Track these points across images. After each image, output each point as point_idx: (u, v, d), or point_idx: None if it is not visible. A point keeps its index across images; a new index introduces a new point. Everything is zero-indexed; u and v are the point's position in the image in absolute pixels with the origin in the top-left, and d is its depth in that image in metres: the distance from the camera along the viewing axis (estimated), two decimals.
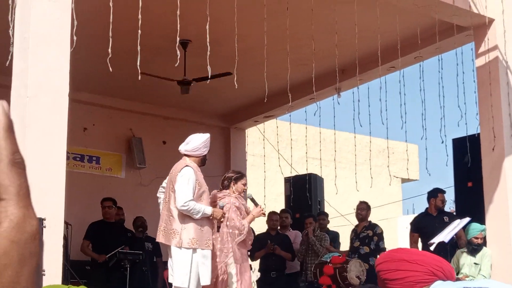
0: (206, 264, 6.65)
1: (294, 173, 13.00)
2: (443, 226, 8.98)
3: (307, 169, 11.78)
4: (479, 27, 9.11)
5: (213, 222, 6.83)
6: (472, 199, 9.45)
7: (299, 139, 16.20)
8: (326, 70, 10.39)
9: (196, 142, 6.92)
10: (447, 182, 19.46)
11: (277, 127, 12.94)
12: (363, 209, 10.32)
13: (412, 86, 9.57)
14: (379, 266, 2.99)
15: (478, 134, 9.13)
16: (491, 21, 9.04)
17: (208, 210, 6.67)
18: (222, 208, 6.89)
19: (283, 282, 10.74)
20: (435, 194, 9.70)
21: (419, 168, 23.05)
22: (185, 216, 6.61)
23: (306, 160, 11.94)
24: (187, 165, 6.75)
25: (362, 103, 9.48)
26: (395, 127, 9.11)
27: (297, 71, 10.12)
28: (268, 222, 11.04)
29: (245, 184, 7.50)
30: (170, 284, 6.88)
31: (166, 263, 10.74)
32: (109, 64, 5.26)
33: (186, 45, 9.87)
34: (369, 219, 10.34)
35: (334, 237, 11.40)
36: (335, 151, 12.04)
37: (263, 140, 13.74)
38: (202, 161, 6.93)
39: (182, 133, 12.93)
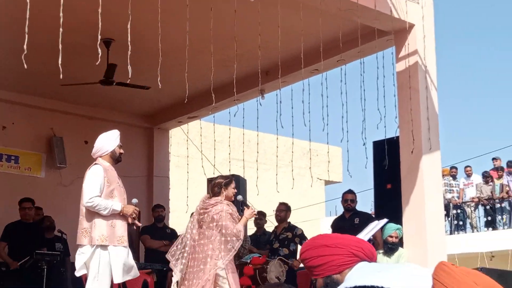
0: (117, 261, 6.60)
1: (217, 174, 13.02)
2: (353, 228, 9.14)
3: (230, 170, 11.84)
4: (399, 32, 9.33)
5: (127, 218, 6.77)
6: (390, 200, 9.64)
7: (223, 141, 16.25)
8: (249, 72, 10.47)
9: (98, 142, 6.91)
10: (368, 184, 19.81)
11: (201, 128, 12.95)
12: (282, 210, 10.41)
13: (334, 89, 9.72)
14: (303, 255, 3.03)
15: (397, 137, 9.35)
16: (411, 26, 9.27)
17: (117, 206, 6.62)
18: (135, 205, 6.86)
19: None
20: (342, 196, 9.94)
21: (342, 170, 23.39)
22: (94, 214, 6.58)
23: (229, 161, 12.01)
24: (95, 163, 6.76)
25: (285, 105, 9.60)
26: (318, 129, 9.24)
27: (221, 72, 10.17)
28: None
29: (234, 188, 7.62)
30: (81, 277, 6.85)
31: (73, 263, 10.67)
32: (24, 61, 5.19)
33: (109, 44, 9.81)
34: (288, 221, 10.43)
35: (269, 238, 11.47)
36: (258, 152, 12.13)
37: (187, 141, 13.72)
38: (113, 158, 6.86)
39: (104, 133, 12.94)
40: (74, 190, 12.49)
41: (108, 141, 6.88)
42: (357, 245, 2.98)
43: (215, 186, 7.57)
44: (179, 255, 7.48)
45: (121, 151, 6.92)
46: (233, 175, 12.43)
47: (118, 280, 6.65)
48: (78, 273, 6.70)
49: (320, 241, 3.02)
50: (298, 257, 8.98)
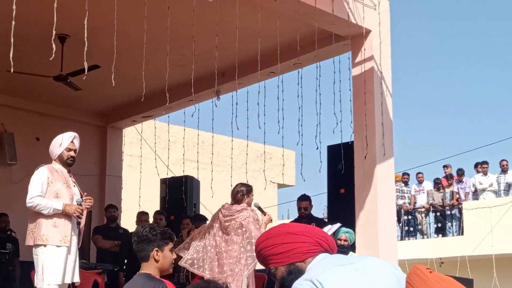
0: (57, 261, 6.57)
1: (170, 175, 12.95)
2: None
3: (184, 171, 11.78)
4: (356, 37, 9.36)
5: (72, 218, 6.74)
6: (344, 205, 9.67)
7: (177, 141, 16.19)
8: (206, 72, 10.40)
9: (51, 147, 7.01)
10: (321, 188, 19.89)
11: (155, 128, 12.88)
12: None
13: (290, 92, 9.73)
14: (262, 244, 2.97)
15: (352, 142, 9.38)
16: (368, 32, 9.30)
17: (58, 205, 6.63)
18: (80, 204, 6.80)
19: None
20: (297, 202, 9.90)
21: (296, 173, 23.44)
22: (37, 214, 6.62)
23: (183, 162, 11.95)
24: (41, 166, 6.85)
25: (241, 106, 9.56)
26: (273, 132, 9.22)
27: (176, 72, 10.10)
28: (137, 222, 10.94)
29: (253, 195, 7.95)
30: None
31: (26, 263, 10.48)
32: None
33: (64, 39, 9.66)
34: None
35: None
36: (213, 154, 12.10)
37: (141, 140, 13.62)
38: (61, 161, 6.92)
39: (57, 130, 12.63)
40: (24, 188, 12.24)
41: (55, 145, 6.97)
42: (322, 235, 2.96)
43: (238, 194, 7.83)
44: (201, 262, 7.67)
45: (71, 154, 6.95)
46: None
47: (67, 280, 6.59)
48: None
49: (284, 229, 2.97)
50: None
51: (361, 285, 2.61)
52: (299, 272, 2.86)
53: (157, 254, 4.67)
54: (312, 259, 2.87)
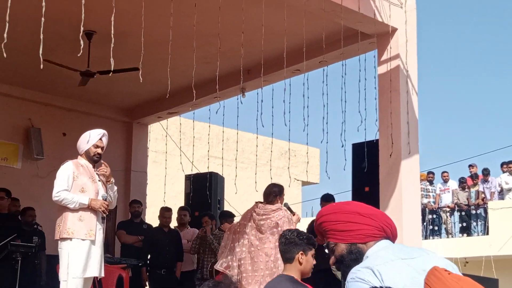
0: (82, 255, 6.64)
1: (195, 171, 13.00)
2: None
3: (208, 168, 11.81)
4: (382, 36, 9.34)
5: (97, 212, 6.82)
6: (368, 203, 9.61)
7: (202, 138, 16.23)
8: (231, 69, 10.43)
9: (78, 142, 7.11)
10: (345, 186, 19.83)
11: (180, 124, 12.91)
12: None
13: (315, 90, 9.73)
14: (326, 217, 2.95)
15: (377, 140, 9.36)
16: (394, 30, 9.28)
17: (84, 200, 6.72)
18: (105, 199, 6.88)
19: (174, 279, 10.73)
20: (320, 202, 9.89)
21: (320, 171, 23.41)
22: (63, 208, 6.71)
23: (208, 159, 11.98)
24: (67, 161, 6.95)
25: (266, 104, 9.58)
26: (298, 129, 9.22)
27: (202, 69, 10.14)
28: (160, 218, 11.01)
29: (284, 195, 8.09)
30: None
31: (51, 256, 10.57)
32: (3, 50, 5.13)
33: (91, 36, 9.73)
34: None
35: None
36: (237, 150, 12.12)
37: (166, 136, 13.68)
38: (88, 157, 7.01)
39: (83, 125, 12.79)
40: (50, 182, 12.37)
41: (82, 141, 7.07)
42: (388, 221, 2.95)
43: (270, 195, 7.94)
44: (230, 261, 7.82)
45: (98, 150, 7.04)
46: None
47: (93, 273, 6.69)
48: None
49: (352, 207, 2.95)
50: None
51: (419, 284, 2.61)
52: (359, 254, 2.85)
53: (301, 257, 5.08)
54: (374, 243, 2.86)
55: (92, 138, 7.04)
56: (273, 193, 7.94)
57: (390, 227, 2.93)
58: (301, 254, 5.05)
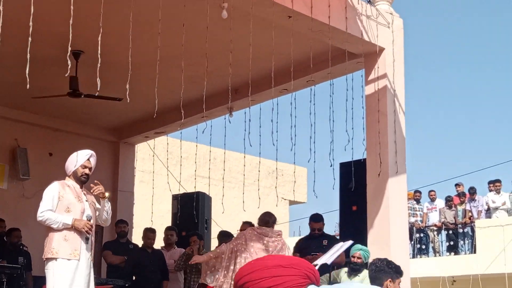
0: (67, 275, 6.60)
1: (182, 191, 12.96)
2: (320, 248, 9.13)
3: (195, 188, 11.77)
4: (369, 55, 9.37)
5: (82, 232, 6.77)
6: (356, 222, 9.64)
7: (189, 157, 16.19)
8: (219, 89, 10.44)
9: (66, 163, 7.09)
10: (333, 206, 19.84)
11: (168, 144, 12.88)
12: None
13: (303, 109, 9.73)
14: (248, 277, 2.91)
15: (364, 159, 9.37)
16: (381, 50, 9.32)
17: (68, 220, 6.68)
18: (89, 219, 6.85)
19: None
20: (309, 221, 9.85)
21: (307, 190, 23.40)
22: (49, 229, 6.69)
23: (195, 178, 11.94)
24: (55, 182, 6.92)
25: (254, 123, 9.57)
26: (285, 148, 9.21)
27: (189, 88, 10.12)
28: (144, 239, 10.92)
29: None
30: None
31: (38, 278, 10.46)
32: None
33: (79, 55, 9.72)
34: None
35: None
36: (224, 170, 12.10)
37: (153, 156, 13.66)
38: (75, 177, 7.00)
39: (70, 145, 12.77)
40: (36, 203, 12.29)
41: (71, 162, 7.04)
42: (310, 267, 2.95)
43: (268, 222, 8.56)
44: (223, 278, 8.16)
45: (85, 171, 7.01)
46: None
47: None
48: None
49: (273, 261, 2.94)
50: None
51: None
52: None
53: (389, 284, 5.43)
54: None
55: (80, 158, 7.02)
56: (271, 221, 8.55)
57: (313, 273, 2.93)
58: (389, 281, 5.40)
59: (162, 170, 13.95)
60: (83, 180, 7.00)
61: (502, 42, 45.37)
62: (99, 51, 6.21)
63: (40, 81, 10.07)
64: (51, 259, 6.60)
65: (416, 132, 41.68)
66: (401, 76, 9.50)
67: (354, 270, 8.90)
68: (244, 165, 10.58)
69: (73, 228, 6.68)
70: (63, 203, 6.77)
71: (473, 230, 18.15)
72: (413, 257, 18.22)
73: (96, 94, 6.54)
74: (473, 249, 18.17)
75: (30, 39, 5.66)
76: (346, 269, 9.07)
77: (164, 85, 9.84)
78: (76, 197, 6.86)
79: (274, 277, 2.87)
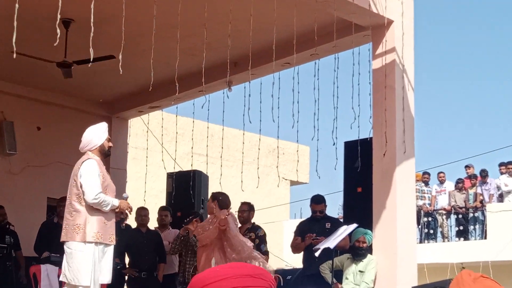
0: (108, 260, 6.70)
1: (178, 169, 12.97)
2: (323, 232, 9.17)
3: (192, 166, 11.78)
4: (377, 28, 9.35)
5: (116, 216, 6.90)
6: (361, 205, 9.65)
7: (185, 134, 16.20)
8: (217, 62, 10.41)
9: (86, 135, 6.95)
10: (337, 187, 19.87)
11: (163, 119, 12.88)
12: (244, 210, 10.31)
13: (306, 84, 9.73)
14: (215, 285, 2.82)
15: (371, 138, 9.37)
16: (390, 22, 9.29)
17: (116, 202, 6.73)
18: (126, 199, 6.94)
19: (155, 283, 10.69)
20: (310, 203, 9.84)
21: (310, 170, 23.40)
22: (90, 210, 6.60)
23: (192, 156, 11.95)
24: (89, 158, 6.77)
25: (254, 98, 9.55)
26: (287, 126, 9.21)
27: (186, 61, 10.09)
28: (136, 218, 10.95)
29: None
30: (61, 283, 6.83)
31: (27, 258, 10.50)
32: None
33: (69, 24, 9.69)
34: (252, 221, 10.38)
35: None
36: (223, 148, 12.09)
37: (147, 132, 13.64)
38: (102, 152, 6.93)
39: (59, 119, 12.79)
40: (23, 179, 12.37)
41: (97, 134, 6.94)
42: (272, 279, 2.93)
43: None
44: None
45: (110, 144, 7.02)
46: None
47: (106, 280, 6.73)
48: (61, 277, 6.74)
49: (243, 270, 2.89)
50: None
51: None
52: None
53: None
54: None
55: (105, 131, 6.98)
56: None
57: (274, 284, 2.92)
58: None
59: (157, 147, 13.97)
60: (108, 154, 7.02)
61: None
62: (91, 19, 6.18)
63: (28, 51, 10.04)
64: (91, 242, 6.55)
65: (425, 110, 41.66)
66: (410, 50, 9.47)
67: (359, 255, 8.94)
68: (243, 143, 10.59)
69: (115, 210, 6.73)
70: (104, 183, 6.74)
71: (484, 215, 18.19)
72: (421, 242, 18.28)
73: (89, 66, 6.50)
74: (483, 235, 18.23)
75: (17, 5, 5.64)
76: (349, 255, 9.11)
77: (160, 57, 9.81)
78: (109, 177, 6.90)
79: (243, 287, 2.82)
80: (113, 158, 13.69)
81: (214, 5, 8.55)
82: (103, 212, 6.63)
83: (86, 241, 6.54)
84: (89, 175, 6.64)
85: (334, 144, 9.05)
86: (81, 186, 6.62)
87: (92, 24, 6.18)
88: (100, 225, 6.60)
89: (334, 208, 18.37)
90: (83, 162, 6.73)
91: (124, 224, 11.43)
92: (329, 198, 10.18)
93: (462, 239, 18.60)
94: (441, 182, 18.87)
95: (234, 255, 7.99)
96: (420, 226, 18.36)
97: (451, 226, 19.00)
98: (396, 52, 9.26)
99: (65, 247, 6.66)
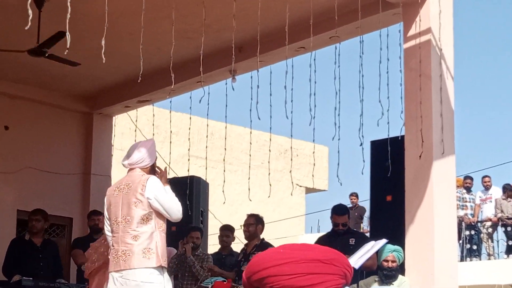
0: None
1: (172, 175, 12.98)
2: (347, 249, 9.15)
3: (188, 171, 11.79)
4: (409, 5, 9.34)
5: None
6: (390, 216, 9.65)
7: (181, 132, 16.23)
8: (219, 47, 10.44)
9: (140, 151, 7.22)
10: (362, 195, 19.83)
11: (154, 115, 12.90)
12: (250, 224, 10.30)
13: (325, 73, 9.72)
14: (274, 270, 2.84)
15: (402, 136, 9.35)
16: None
17: None
18: None
19: None
20: (331, 214, 9.80)
21: (329, 175, 23.41)
22: (157, 229, 6.88)
23: (188, 159, 11.96)
24: (148, 174, 7.06)
25: (262, 90, 9.55)
26: (302, 123, 9.21)
27: (182, 46, 10.12)
28: None
29: None
30: None
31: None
32: None
33: (42, 3, 9.70)
34: (261, 237, 10.38)
35: (237, 258, 11.38)
36: (225, 149, 12.10)
37: (135, 131, 13.66)
38: (151, 172, 7.17)
39: (31, 117, 12.80)
40: None
41: (152, 151, 7.28)
42: (348, 264, 2.92)
43: None
44: None
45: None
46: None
47: None
48: None
49: (311, 254, 2.87)
50: None
51: None
52: None
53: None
54: None
55: (155, 148, 7.34)
56: None
57: (350, 271, 2.89)
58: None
59: None
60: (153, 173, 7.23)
61: None
62: None
63: None
64: (163, 267, 6.81)
65: (467, 103, 41.62)
66: (449, 32, 9.45)
67: (388, 277, 8.93)
68: (250, 143, 10.59)
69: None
70: None
71: None
72: (462, 260, 18.27)
73: (65, 52, 6.49)
74: None
75: None
76: (376, 276, 9.10)
77: (150, 41, 9.84)
78: None
79: (310, 274, 2.81)
80: (95, 162, 13.75)
81: None
82: (163, 234, 6.94)
83: (161, 265, 6.77)
84: (165, 192, 6.95)
85: (361, 144, 9.04)
86: (161, 205, 6.88)
87: (69, 4, 6.19)
88: (164, 247, 6.88)
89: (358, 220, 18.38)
90: (147, 180, 6.94)
91: None
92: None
93: (511, 256, 18.57)
94: (486, 188, 18.86)
95: None
96: (461, 241, 18.35)
97: (498, 241, 18.99)
98: (432, 34, 9.24)
99: (121, 279, 6.78)
